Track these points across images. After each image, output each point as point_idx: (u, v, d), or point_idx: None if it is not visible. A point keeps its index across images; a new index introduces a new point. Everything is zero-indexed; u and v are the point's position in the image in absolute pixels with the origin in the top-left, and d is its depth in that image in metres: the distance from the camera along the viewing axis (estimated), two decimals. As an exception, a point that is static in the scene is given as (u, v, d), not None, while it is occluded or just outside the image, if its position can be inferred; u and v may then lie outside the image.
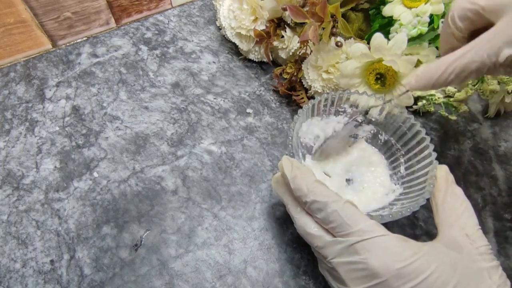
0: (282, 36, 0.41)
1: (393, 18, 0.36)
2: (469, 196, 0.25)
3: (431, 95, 0.38)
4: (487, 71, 0.22)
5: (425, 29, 0.35)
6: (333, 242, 0.23)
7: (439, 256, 0.21)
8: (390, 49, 0.32)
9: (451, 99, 0.40)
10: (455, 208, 0.24)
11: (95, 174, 0.36)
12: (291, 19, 0.40)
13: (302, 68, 0.40)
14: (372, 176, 0.32)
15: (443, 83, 0.24)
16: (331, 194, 0.24)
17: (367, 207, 0.30)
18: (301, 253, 0.32)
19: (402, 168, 0.31)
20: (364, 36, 0.41)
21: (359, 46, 0.34)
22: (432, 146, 0.28)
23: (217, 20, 0.50)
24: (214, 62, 0.47)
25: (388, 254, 0.21)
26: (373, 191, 0.31)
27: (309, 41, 0.38)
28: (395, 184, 0.31)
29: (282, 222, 0.34)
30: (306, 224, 0.25)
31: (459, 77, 0.23)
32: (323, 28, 0.35)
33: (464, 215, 0.24)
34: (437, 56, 0.37)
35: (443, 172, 0.26)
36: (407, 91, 0.26)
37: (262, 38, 0.40)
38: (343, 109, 0.33)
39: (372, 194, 0.31)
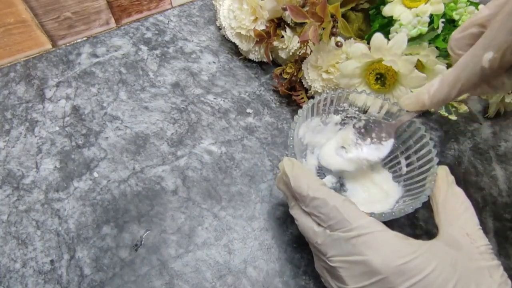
0: (282, 36, 0.41)
1: (393, 18, 0.36)
2: (469, 196, 0.25)
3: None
4: (485, 79, 0.23)
5: (425, 29, 0.35)
6: (332, 238, 0.23)
7: (439, 254, 0.21)
8: (390, 49, 0.32)
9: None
10: (455, 208, 0.24)
11: (95, 174, 0.36)
12: (291, 19, 0.40)
13: (302, 68, 0.40)
14: (373, 182, 0.32)
15: (446, 98, 0.25)
16: (330, 192, 0.24)
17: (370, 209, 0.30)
18: (301, 253, 0.32)
19: (402, 166, 0.31)
20: (364, 36, 0.41)
21: (359, 46, 0.34)
22: (432, 143, 0.28)
23: (217, 20, 0.50)
24: (214, 62, 0.47)
25: (388, 250, 0.21)
26: (374, 194, 0.31)
27: (309, 41, 0.38)
28: (398, 185, 0.31)
29: (282, 222, 0.34)
30: (306, 221, 0.25)
31: (455, 88, 0.24)
32: (323, 28, 0.35)
33: (464, 214, 0.24)
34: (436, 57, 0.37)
35: (443, 172, 0.26)
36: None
37: (262, 38, 0.40)
38: (342, 108, 0.33)
39: (374, 197, 0.31)
